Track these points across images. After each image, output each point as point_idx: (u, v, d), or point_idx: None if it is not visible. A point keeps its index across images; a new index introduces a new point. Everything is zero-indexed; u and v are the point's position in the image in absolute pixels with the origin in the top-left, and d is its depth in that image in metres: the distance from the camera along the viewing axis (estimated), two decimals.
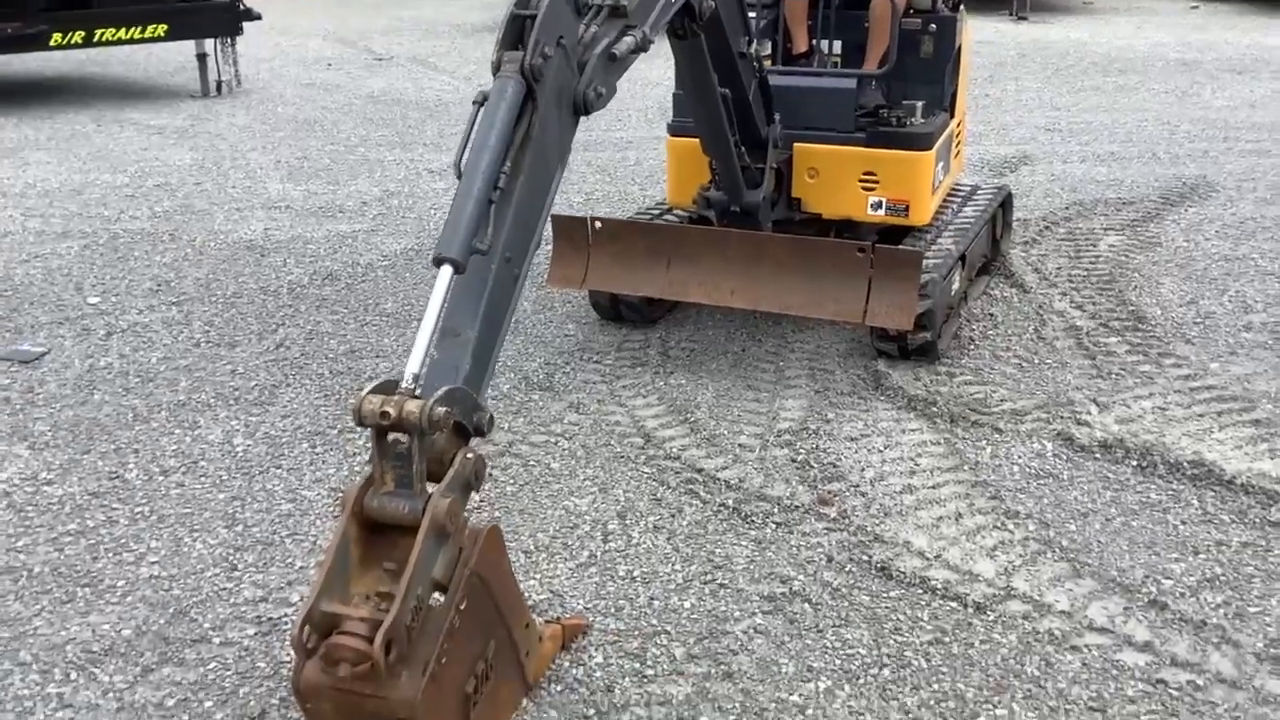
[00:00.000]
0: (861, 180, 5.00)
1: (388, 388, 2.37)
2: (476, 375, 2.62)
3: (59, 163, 8.46)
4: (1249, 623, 3.16)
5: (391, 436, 2.35)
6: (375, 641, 2.16)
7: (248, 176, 8.09)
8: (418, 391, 2.38)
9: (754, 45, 4.44)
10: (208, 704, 2.86)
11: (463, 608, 2.37)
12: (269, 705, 2.85)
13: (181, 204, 7.35)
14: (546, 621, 2.95)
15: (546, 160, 2.89)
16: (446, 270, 2.51)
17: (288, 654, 3.03)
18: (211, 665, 3.00)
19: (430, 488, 2.37)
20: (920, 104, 5.07)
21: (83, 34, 10.36)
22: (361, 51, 14.37)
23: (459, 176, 2.66)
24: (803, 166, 5.04)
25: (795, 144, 4.99)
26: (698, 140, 4.98)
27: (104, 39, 10.52)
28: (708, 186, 4.96)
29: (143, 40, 10.75)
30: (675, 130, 5.23)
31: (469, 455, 2.42)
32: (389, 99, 11.14)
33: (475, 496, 2.77)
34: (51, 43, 10.21)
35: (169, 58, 13.15)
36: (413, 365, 2.40)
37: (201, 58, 11.08)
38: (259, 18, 11.35)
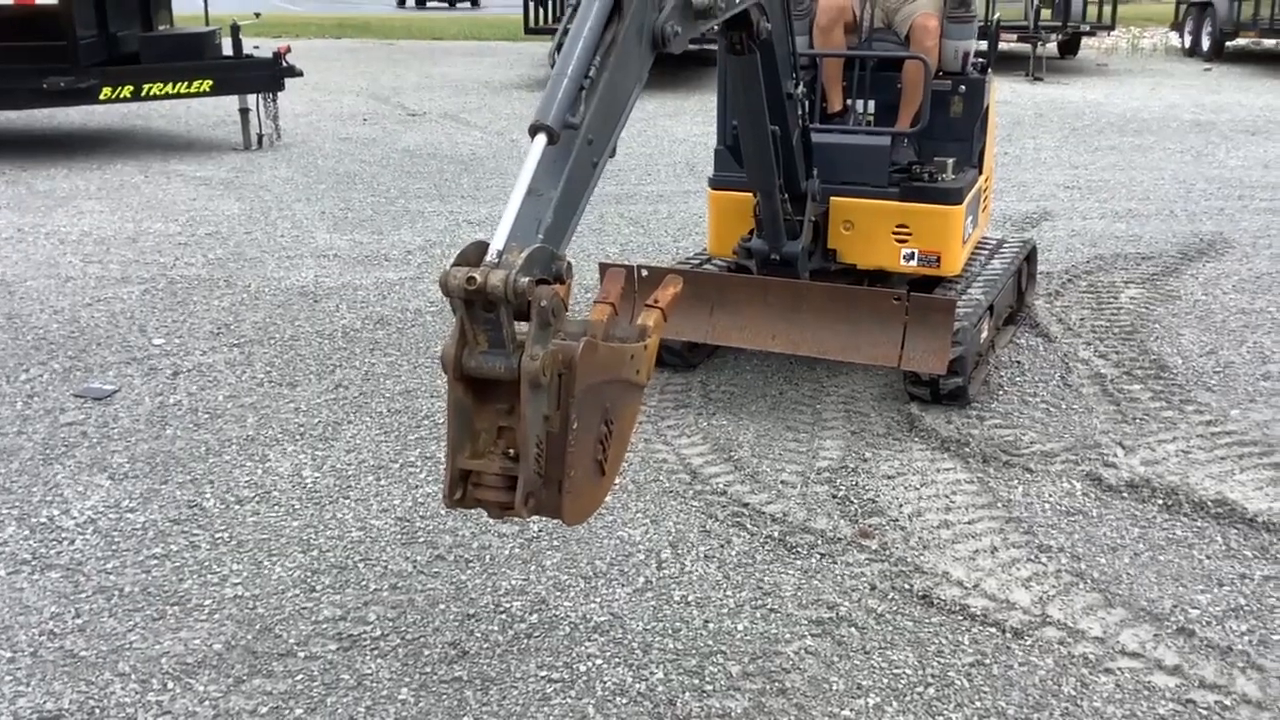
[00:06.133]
0: (895, 233, 5.24)
1: (471, 256, 2.41)
2: (558, 228, 2.68)
3: (111, 211, 8.78)
4: (1273, 649, 3.35)
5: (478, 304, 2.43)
6: (516, 500, 2.31)
7: (295, 226, 8.38)
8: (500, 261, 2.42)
9: (800, 88, 4.67)
10: (298, 711, 3.06)
11: (576, 426, 2.47)
12: (356, 713, 3.05)
13: (233, 252, 7.64)
14: (647, 306, 2.76)
15: (628, 70, 2.97)
16: (541, 139, 2.60)
17: (370, 668, 3.24)
18: (299, 677, 3.21)
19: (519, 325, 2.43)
20: (951, 160, 5.32)
21: (131, 88, 10.72)
22: (395, 107, 14.76)
23: (553, 65, 2.76)
24: (839, 219, 5.28)
25: (832, 198, 5.23)
26: (736, 194, 5.25)
27: (151, 93, 10.88)
28: (748, 237, 5.21)
29: (189, 95, 11.10)
30: (716, 184, 5.49)
31: (543, 303, 2.41)
32: (425, 153, 11.48)
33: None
34: (102, 96, 10.55)
35: (208, 112, 13.57)
36: (498, 241, 2.44)
37: (244, 112, 11.45)
38: (300, 74, 11.73)
